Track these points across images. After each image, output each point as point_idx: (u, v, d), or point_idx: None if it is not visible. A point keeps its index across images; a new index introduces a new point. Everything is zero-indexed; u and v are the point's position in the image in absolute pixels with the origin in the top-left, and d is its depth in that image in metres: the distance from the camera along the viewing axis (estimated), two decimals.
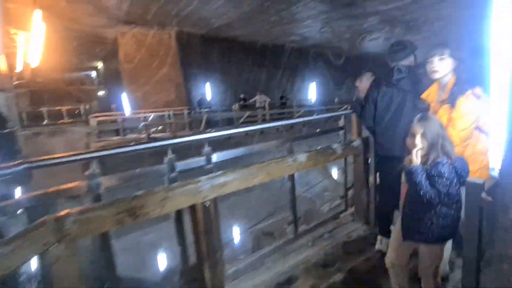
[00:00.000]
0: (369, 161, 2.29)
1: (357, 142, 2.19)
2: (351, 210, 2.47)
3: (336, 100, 12.79)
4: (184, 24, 9.47)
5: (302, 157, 1.82)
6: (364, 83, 2.20)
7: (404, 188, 1.43)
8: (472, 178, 0.96)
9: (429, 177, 1.22)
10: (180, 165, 1.66)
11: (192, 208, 1.46)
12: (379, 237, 2.04)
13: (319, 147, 1.98)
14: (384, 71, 2.00)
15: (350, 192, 2.61)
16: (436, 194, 1.18)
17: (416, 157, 1.25)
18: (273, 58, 12.44)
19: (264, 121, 10.22)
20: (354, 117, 2.35)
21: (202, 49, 10.69)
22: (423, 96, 1.74)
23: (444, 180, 1.18)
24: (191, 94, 10.91)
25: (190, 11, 8.28)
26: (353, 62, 15.32)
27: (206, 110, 10.10)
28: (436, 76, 1.59)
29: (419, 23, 9.24)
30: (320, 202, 5.17)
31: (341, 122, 2.40)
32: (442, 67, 1.56)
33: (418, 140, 1.27)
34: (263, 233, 4.41)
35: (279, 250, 1.99)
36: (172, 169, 1.63)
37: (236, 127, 9.07)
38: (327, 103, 13.63)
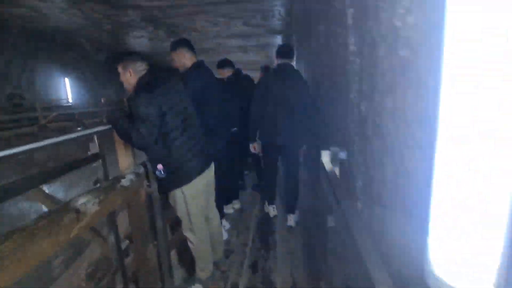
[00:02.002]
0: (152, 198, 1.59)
1: (130, 178, 1.40)
2: None
3: (102, 100, 10.91)
4: None
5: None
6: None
7: None
8: None
9: None
10: None
11: None
12: (271, 206, 2.77)
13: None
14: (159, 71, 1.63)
15: (128, 260, 1.75)
16: None
17: None
18: None
19: None
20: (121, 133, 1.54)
21: None
22: None
23: None
24: None
25: None
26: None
27: None
28: None
29: (179, 30, 9.72)
30: None
31: (94, 147, 1.48)
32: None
33: None
34: None
35: None
36: None
37: None
38: (92, 104, 11.32)
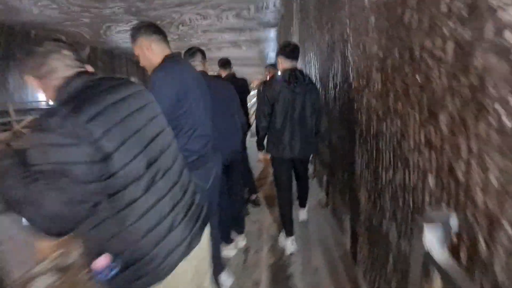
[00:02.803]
0: None
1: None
2: None
3: None
4: None
5: None
6: None
7: None
8: None
9: None
10: None
11: None
12: (289, 239, 2.19)
13: None
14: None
15: None
16: None
17: None
18: None
19: None
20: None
21: None
22: None
23: None
24: None
25: None
26: (103, 56, 13.03)
27: None
28: None
29: (166, 24, 8.93)
30: None
31: None
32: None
33: None
34: None
35: None
36: None
37: None
38: None
